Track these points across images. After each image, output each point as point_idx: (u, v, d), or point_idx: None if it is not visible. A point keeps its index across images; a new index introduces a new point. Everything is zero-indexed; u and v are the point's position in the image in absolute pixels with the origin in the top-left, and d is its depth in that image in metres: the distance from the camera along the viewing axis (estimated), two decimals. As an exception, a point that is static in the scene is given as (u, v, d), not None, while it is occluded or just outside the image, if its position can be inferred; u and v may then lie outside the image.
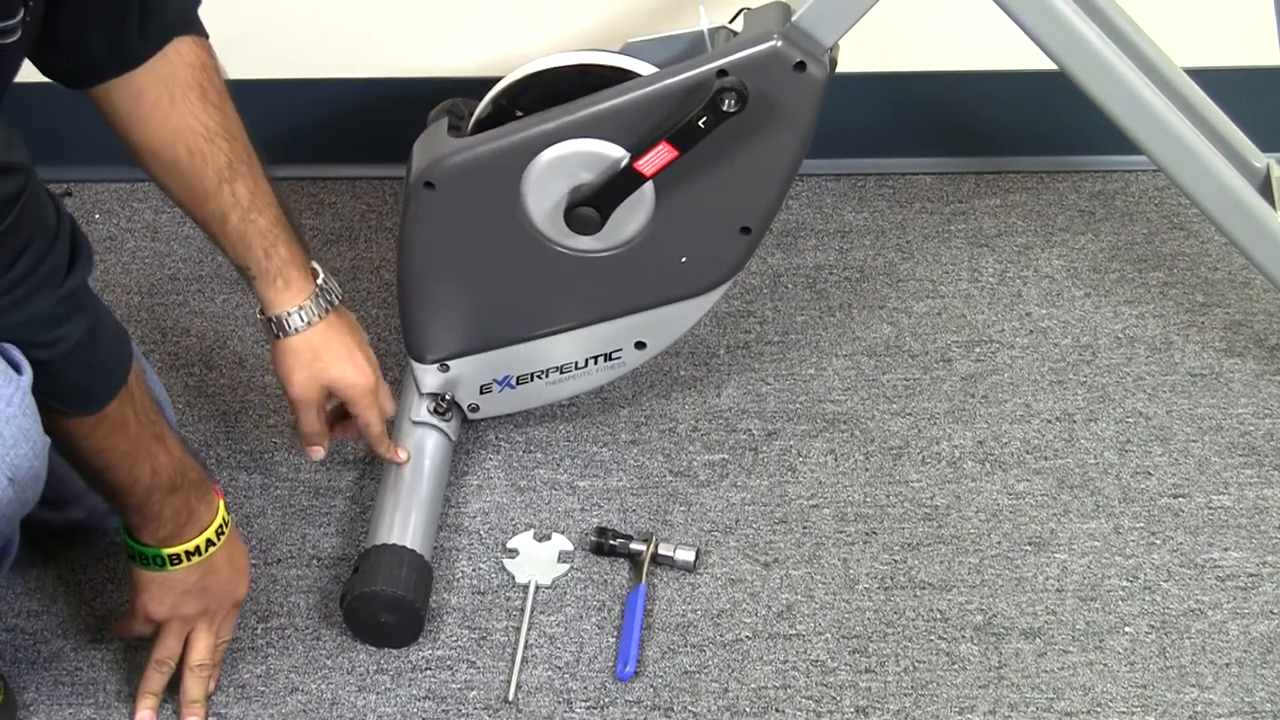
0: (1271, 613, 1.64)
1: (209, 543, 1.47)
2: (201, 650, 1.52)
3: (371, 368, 1.62)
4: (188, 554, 1.46)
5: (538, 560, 1.70)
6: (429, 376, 1.76)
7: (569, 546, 1.71)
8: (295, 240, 1.56)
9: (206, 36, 1.51)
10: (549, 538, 1.72)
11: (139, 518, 1.43)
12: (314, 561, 1.71)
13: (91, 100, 1.48)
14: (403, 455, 1.70)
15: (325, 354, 1.58)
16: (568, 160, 1.58)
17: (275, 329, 1.56)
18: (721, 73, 1.52)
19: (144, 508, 1.41)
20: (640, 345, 1.75)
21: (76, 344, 1.26)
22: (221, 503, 1.49)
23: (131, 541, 1.46)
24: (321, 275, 1.58)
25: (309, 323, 1.56)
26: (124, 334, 1.35)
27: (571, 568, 1.69)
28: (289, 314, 1.55)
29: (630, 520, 1.74)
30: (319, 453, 1.65)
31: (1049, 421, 1.84)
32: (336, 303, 1.59)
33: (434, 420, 1.75)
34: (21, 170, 1.17)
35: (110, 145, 1.51)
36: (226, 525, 1.49)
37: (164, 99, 1.46)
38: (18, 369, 1.24)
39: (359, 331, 1.63)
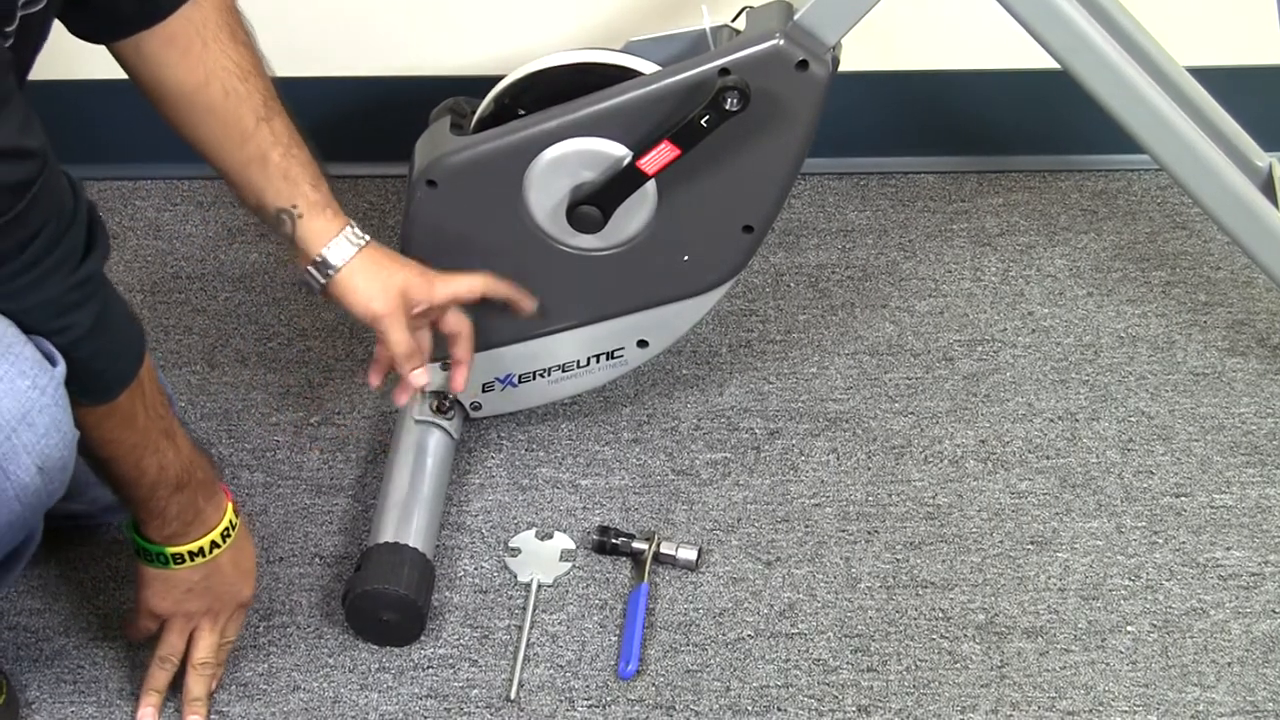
0: (1273, 612, 1.64)
1: (214, 544, 1.46)
2: (205, 648, 1.52)
3: (422, 266, 1.58)
4: (191, 554, 1.45)
5: (540, 559, 1.70)
6: (431, 375, 1.75)
7: (571, 545, 1.71)
8: (327, 174, 1.54)
9: None
10: (551, 536, 1.72)
11: (144, 513, 1.42)
12: (316, 560, 1.71)
13: (117, 54, 1.46)
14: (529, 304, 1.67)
15: (387, 264, 1.55)
16: (570, 159, 1.58)
17: (329, 263, 1.51)
18: (724, 71, 1.52)
19: (148, 503, 1.41)
20: (642, 344, 1.75)
21: (87, 332, 1.26)
22: (230, 505, 1.48)
23: (137, 537, 1.46)
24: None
25: (359, 245, 1.53)
26: (138, 327, 1.34)
27: (573, 566, 1.69)
28: (338, 242, 1.51)
29: (632, 519, 1.74)
30: (424, 376, 1.59)
31: (1051, 420, 1.84)
32: (365, 235, 1.56)
33: (436, 418, 1.75)
34: (38, 155, 1.17)
35: (112, 143, 1.51)
36: (233, 528, 1.48)
37: (196, 42, 1.45)
38: (52, 360, 1.24)
39: None
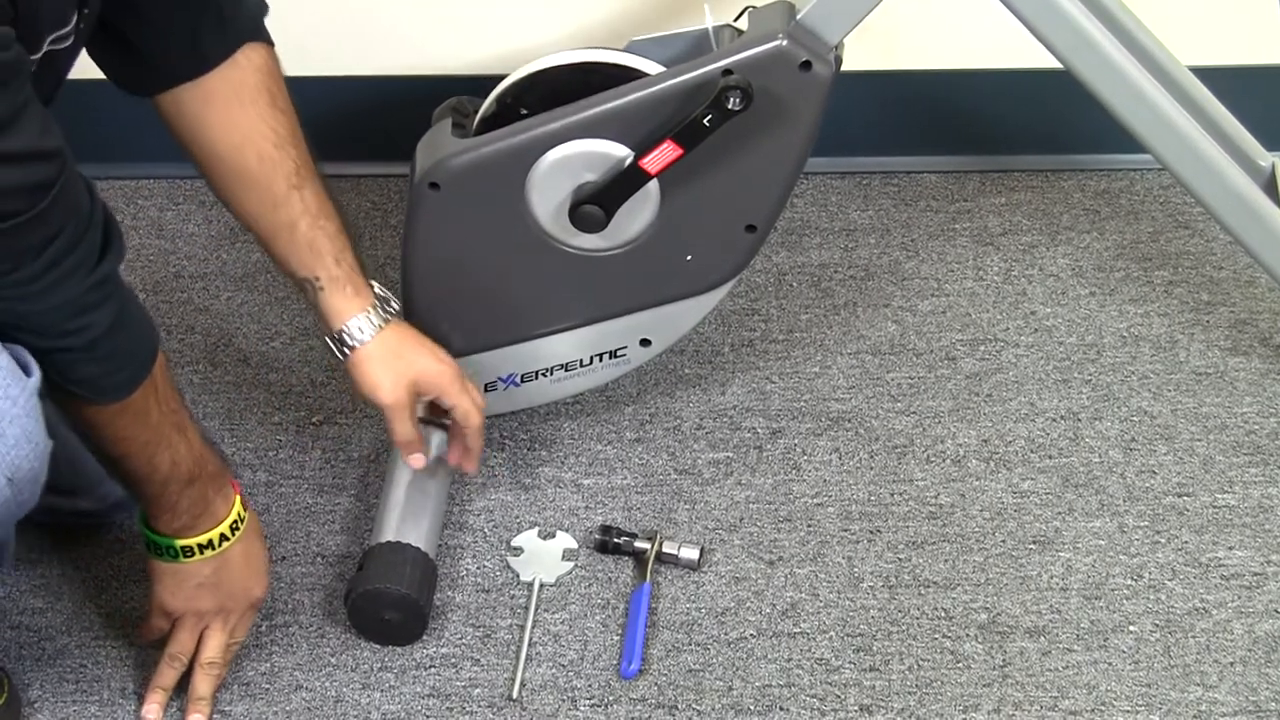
0: (1276, 612, 1.64)
1: (223, 537, 1.47)
2: (214, 648, 1.53)
3: (450, 358, 1.60)
4: (200, 547, 1.46)
5: (542, 558, 1.70)
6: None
7: (573, 544, 1.71)
8: (356, 248, 1.55)
9: (272, 44, 1.51)
10: (553, 535, 1.72)
11: (155, 507, 1.43)
12: (318, 559, 1.71)
13: (158, 107, 1.48)
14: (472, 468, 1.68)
15: (405, 351, 1.56)
16: (572, 160, 1.58)
17: (346, 341, 1.53)
18: (727, 71, 1.52)
19: (160, 497, 1.42)
20: (645, 343, 1.75)
21: (104, 332, 1.27)
22: (239, 498, 1.49)
23: (147, 531, 1.46)
24: (377, 285, 1.58)
25: (379, 327, 1.54)
26: (151, 324, 1.35)
27: (576, 566, 1.70)
28: (358, 321, 1.53)
29: (635, 518, 1.74)
30: (421, 460, 1.62)
31: (1053, 420, 1.84)
32: (395, 308, 1.58)
33: (439, 418, 1.74)
34: (58, 155, 1.18)
35: (114, 143, 1.51)
36: (242, 521, 1.49)
37: (234, 104, 1.47)
38: (26, 370, 1.24)
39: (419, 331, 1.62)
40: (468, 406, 1.60)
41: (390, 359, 1.55)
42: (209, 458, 1.44)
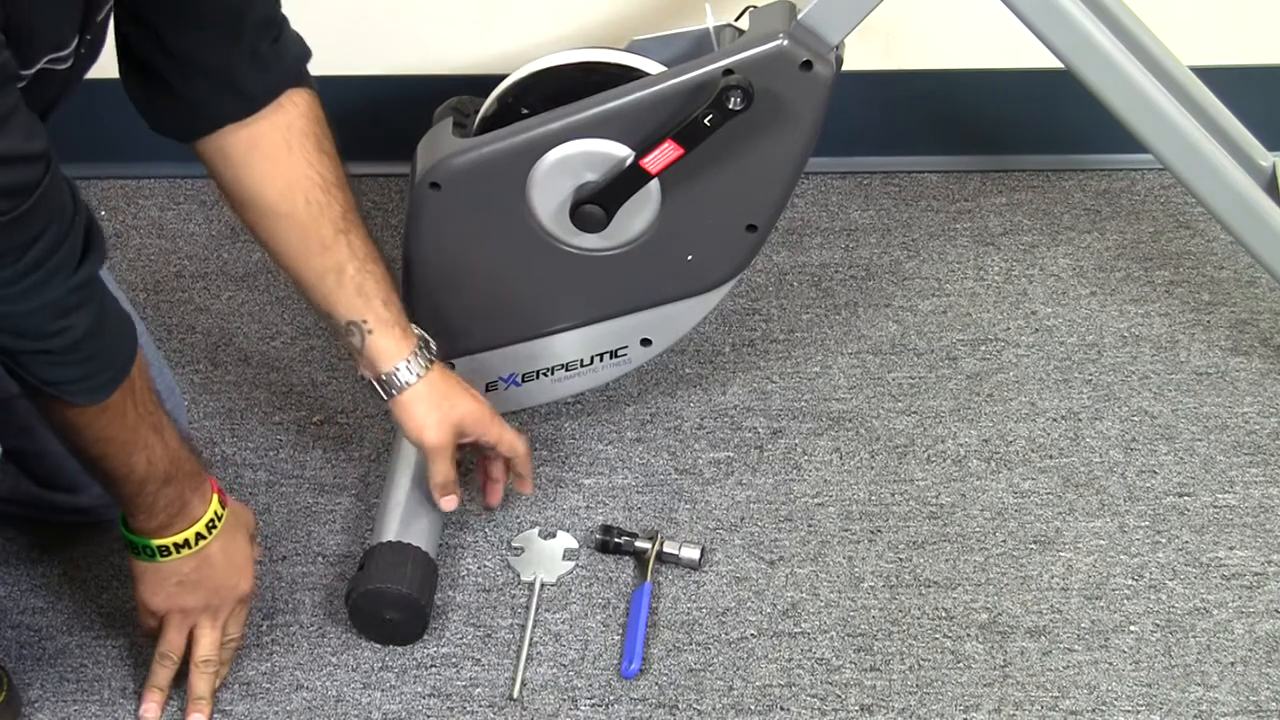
0: (1277, 612, 1.64)
1: (199, 536, 1.47)
2: (206, 646, 1.53)
3: (483, 398, 1.62)
4: (177, 546, 1.46)
5: (543, 558, 1.70)
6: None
7: (574, 544, 1.71)
8: (398, 291, 1.57)
9: (315, 89, 1.52)
10: (554, 535, 1.72)
11: (132, 506, 1.43)
12: (319, 559, 1.71)
13: (201, 154, 1.49)
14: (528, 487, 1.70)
15: (450, 393, 1.58)
16: (573, 159, 1.58)
17: (394, 384, 1.55)
18: (728, 71, 1.52)
19: (137, 497, 1.42)
20: (646, 343, 1.75)
21: (84, 334, 1.27)
22: (217, 496, 1.49)
23: (126, 531, 1.46)
24: (416, 326, 1.59)
25: (425, 369, 1.55)
26: (129, 325, 1.35)
27: (576, 565, 1.70)
28: (406, 363, 1.54)
29: (635, 518, 1.74)
30: (454, 502, 1.63)
31: (1054, 420, 1.84)
32: (435, 350, 1.59)
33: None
34: (42, 158, 1.18)
35: (115, 142, 1.51)
36: (219, 519, 1.49)
37: (282, 148, 1.47)
38: None
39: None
40: (511, 439, 1.63)
41: (437, 400, 1.57)
42: (185, 457, 1.44)
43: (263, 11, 1.45)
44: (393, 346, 1.54)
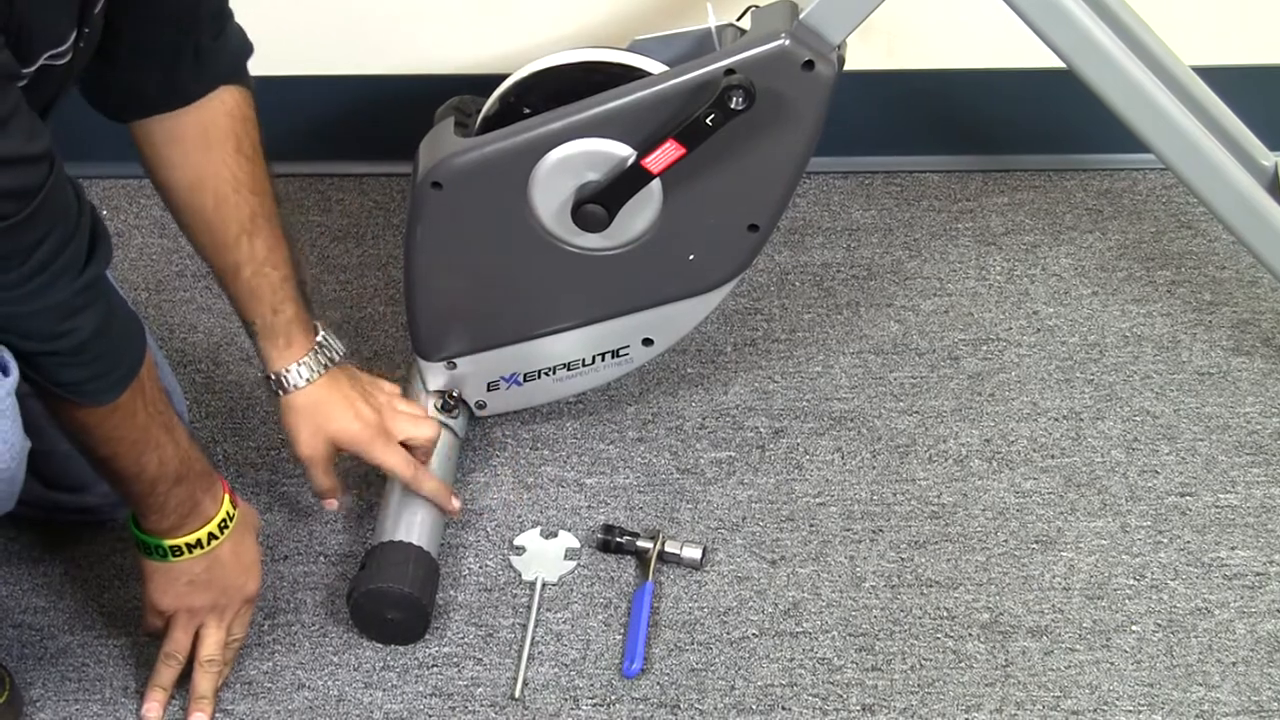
0: (1278, 612, 1.64)
1: (211, 536, 1.47)
2: (211, 645, 1.53)
3: (375, 415, 1.61)
4: (189, 546, 1.46)
5: (544, 557, 1.70)
6: (436, 374, 1.76)
7: (576, 544, 1.71)
8: (302, 300, 1.57)
9: (252, 89, 1.52)
10: (556, 535, 1.72)
11: (143, 507, 1.43)
12: (321, 558, 1.71)
13: (131, 133, 1.50)
14: (456, 504, 1.69)
15: (326, 408, 1.58)
16: (575, 159, 1.58)
17: (275, 386, 1.57)
18: (729, 71, 1.52)
19: (148, 497, 1.42)
20: (647, 342, 1.75)
21: (92, 335, 1.27)
22: (227, 496, 1.49)
23: (137, 531, 1.46)
24: (321, 333, 1.59)
25: (308, 380, 1.56)
26: (138, 325, 1.35)
27: (578, 565, 1.70)
28: (288, 371, 1.56)
29: (637, 517, 1.74)
30: (334, 504, 1.65)
31: (1056, 420, 1.84)
32: (337, 359, 1.59)
33: (441, 417, 1.75)
34: (45, 159, 1.18)
35: (118, 141, 1.52)
36: (231, 519, 1.49)
37: (200, 143, 1.49)
38: (4, 370, 1.24)
39: (362, 384, 1.63)
40: (393, 463, 1.61)
41: (311, 413, 1.58)
42: (196, 457, 1.45)
43: (214, 4, 1.46)
44: (274, 354, 1.56)
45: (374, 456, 1.61)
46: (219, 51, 1.47)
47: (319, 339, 1.58)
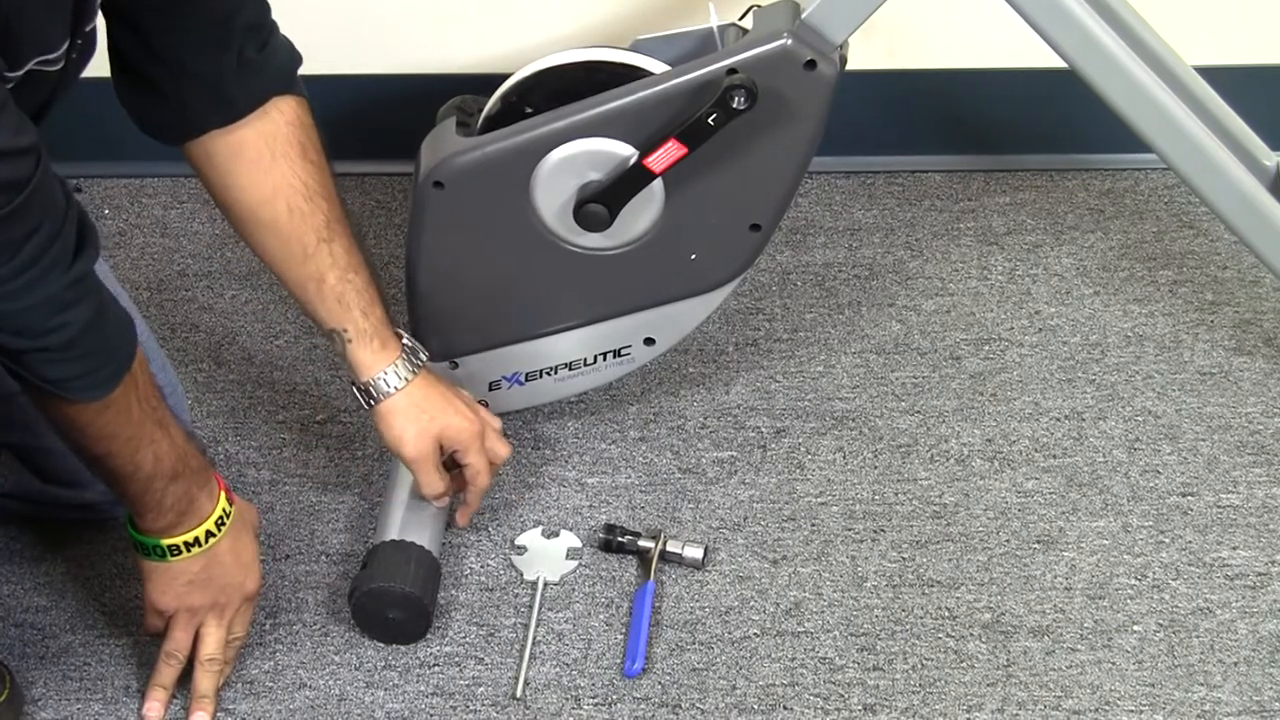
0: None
1: (209, 534, 1.47)
2: (211, 644, 1.53)
3: (474, 412, 1.62)
4: (187, 545, 1.46)
5: (546, 557, 1.70)
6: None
7: (577, 543, 1.71)
8: (384, 301, 1.57)
9: (305, 96, 1.52)
10: (557, 534, 1.72)
11: (140, 505, 1.43)
12: (322, 557, 1.71)
13: (189, 157, 1.50)
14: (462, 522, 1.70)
15: (429, 406, 1.58)
16: (577, 159, 1.58)
17: (372, 394, 1.56)
18: (732, 70, 1.52)
19: (145, 495, 1.42)
20: (649, 342, 1.75)
21: (83, 329, 1.27)
22: (224, 494, 1.49)
23: (134, 532, 1.46)
24: (406, 335, 1.59)
25: (406, 380, 1.56)
26: (128, 319, 1.35)
27: (580, 564, 1.70)
28: (385, 375, 1.55)
29: (639, 517, 1.74)
30: (446, 504, 1.65)
31: (1058, 419, 1.84)
32: (423, 359, 1.60)
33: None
34: (32, 152, 1.19)
35: (119, 141, 1.52)
36: (228, 516, 1.49)
37: (265, 155, 1.48)
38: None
39: (446, 382, 1.63)
40: (480, 467, 1.62)
41: (416, 414, 1.57)
42: (192, 453, 1.44)
43: (251, 17, 1.45)
44: (369, 358, 1.55)
45: (471, 455, 1.61)
46: (265, 63, 1.47)
47: (405, 340, 1.59)
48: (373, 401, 1.56)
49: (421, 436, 1.57)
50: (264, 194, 1.49)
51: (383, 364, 1.55)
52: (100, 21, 1.34)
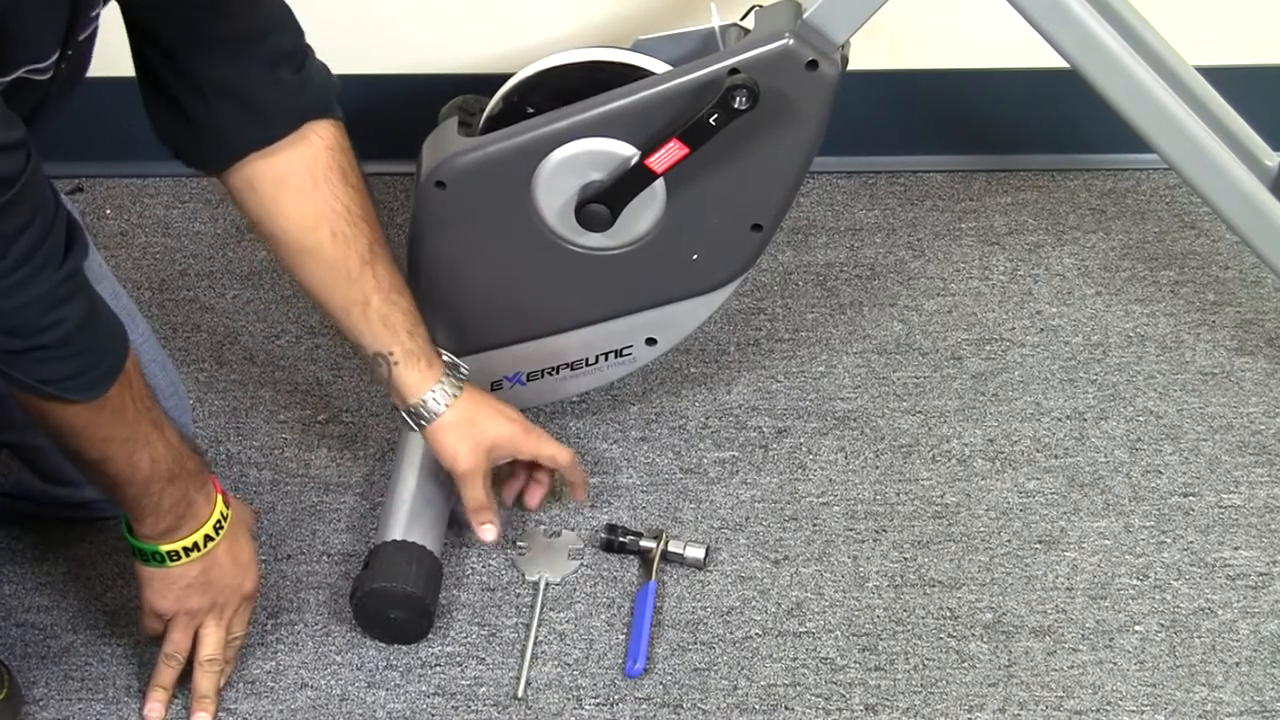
0: (1282, 612, 1.64)
1: (208, 538, 1.47)
2: (211, 645, 1.53)
3: (515, 413, 1.63)
4: (186, 550, 1.46)
5: (548, 557, 1.70)
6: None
7: (579, 543, 1.71)
8: (425, 320, 1.58)
9: (342, 119, 1.52)
10: (559, 534, 1.72)
11: (139, 509, 1.43)
12: (324, 557, 1.71)
13: (231, 188, 1.51)
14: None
15: (478, 419, 1.59)
16: (579, 159, 1.58)
17: (423, 415, 1.57)
18: (733, 71, 1.52)
19: (143, 498, 1.41)
20: (651, 342, 1.75)
21: (77, 326, 1.27)
22: (220, 496, 1.49)
23: (132, 538, 1.46)
24: (445, 351, 1.60)
25: (454, 395, 1.57)
26: (119, 320, 1.35)
27: (581, 565, 1.70)
28: (433, 393, 1.56)
29: (640, 517, 1.74)
30: (492, 532, 1.63)
31: (1059, 420, 1.84)
32: (465, 373, 1.61)
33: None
34: (21, 147, 1.19)
35: (121, 141, 1.51)
36: (225, 519, 1.49)
37: (308, 181, 1.49)
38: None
39: (488, 393, 1.65)
40: (551, 451, 1.65)
41: (467, 428, 1.58)
42: (188, 455, 1.44)
43: (284, 41, 1.46)
44: (417, 378, 1.56)
45: (532, 449, 1.63)
46: (301, 86, 1.47)
47: (445, 357, 1.60)
48: (423, 423, 1.57)
49: (474, 452, 1.59)
50: (308, 220, 1.50)
51: (429, 383, 1.56)
52: (96, 34, 1.33)
